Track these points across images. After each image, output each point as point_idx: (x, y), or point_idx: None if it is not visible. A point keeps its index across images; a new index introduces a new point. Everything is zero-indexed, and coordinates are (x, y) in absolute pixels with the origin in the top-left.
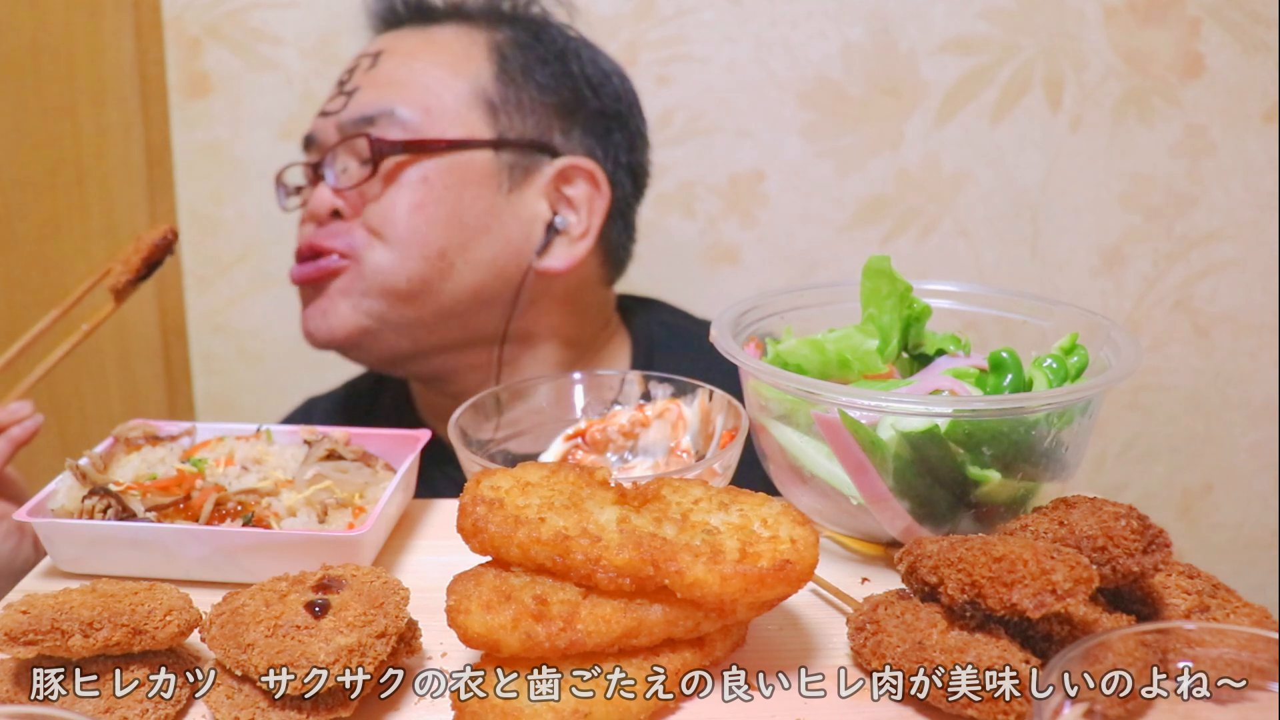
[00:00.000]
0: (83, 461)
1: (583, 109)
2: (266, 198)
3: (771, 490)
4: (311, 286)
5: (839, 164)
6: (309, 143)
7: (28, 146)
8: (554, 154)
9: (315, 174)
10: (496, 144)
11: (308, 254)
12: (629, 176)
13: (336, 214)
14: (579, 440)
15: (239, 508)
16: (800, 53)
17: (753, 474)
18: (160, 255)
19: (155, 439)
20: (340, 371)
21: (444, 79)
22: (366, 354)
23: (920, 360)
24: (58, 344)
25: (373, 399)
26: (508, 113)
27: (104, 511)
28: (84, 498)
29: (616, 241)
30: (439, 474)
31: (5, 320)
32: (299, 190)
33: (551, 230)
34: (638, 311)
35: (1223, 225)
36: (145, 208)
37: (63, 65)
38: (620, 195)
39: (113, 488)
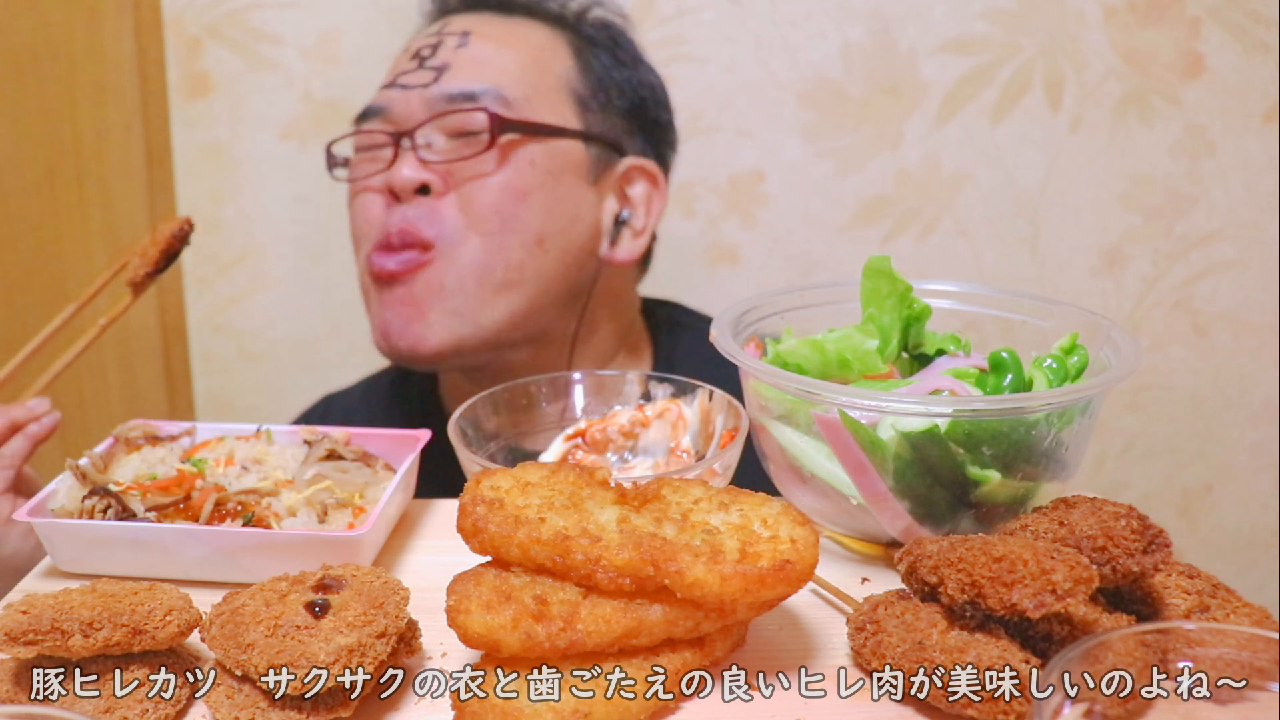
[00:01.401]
0: (83, 461)
1: (645, 116)
2: (267, 197)
3: (771, 490)
4: (390, 283)
5: (839, 164)
6: (373, 114)
7: (28, 146)
8: (622, 153)
9: (394, 144)
10: (587, 136)
11: (397, 242)
12: (667, 183)
13: (422, 190)
14: (579, 440)
15: (239, 508)
16: (800, 53)
17: (753, 474)
18: (178, 246)
19: (155, 439)
20: (341, 371)
21: (539, 70)
22: (448, 365)
23: (920, 360)
24: (70, 339)
25: (393, 395)
26: (593, 109)
27: (104, 511)
28: (84, 498)
29: (650, 243)
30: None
31: (5, 320)
32: (345, 162)
33: (619, 223)
34: (657, 312)
35: (1223, 225)
36: (145, 208)
37: (63, 65)
38: None
39: (113, 488)
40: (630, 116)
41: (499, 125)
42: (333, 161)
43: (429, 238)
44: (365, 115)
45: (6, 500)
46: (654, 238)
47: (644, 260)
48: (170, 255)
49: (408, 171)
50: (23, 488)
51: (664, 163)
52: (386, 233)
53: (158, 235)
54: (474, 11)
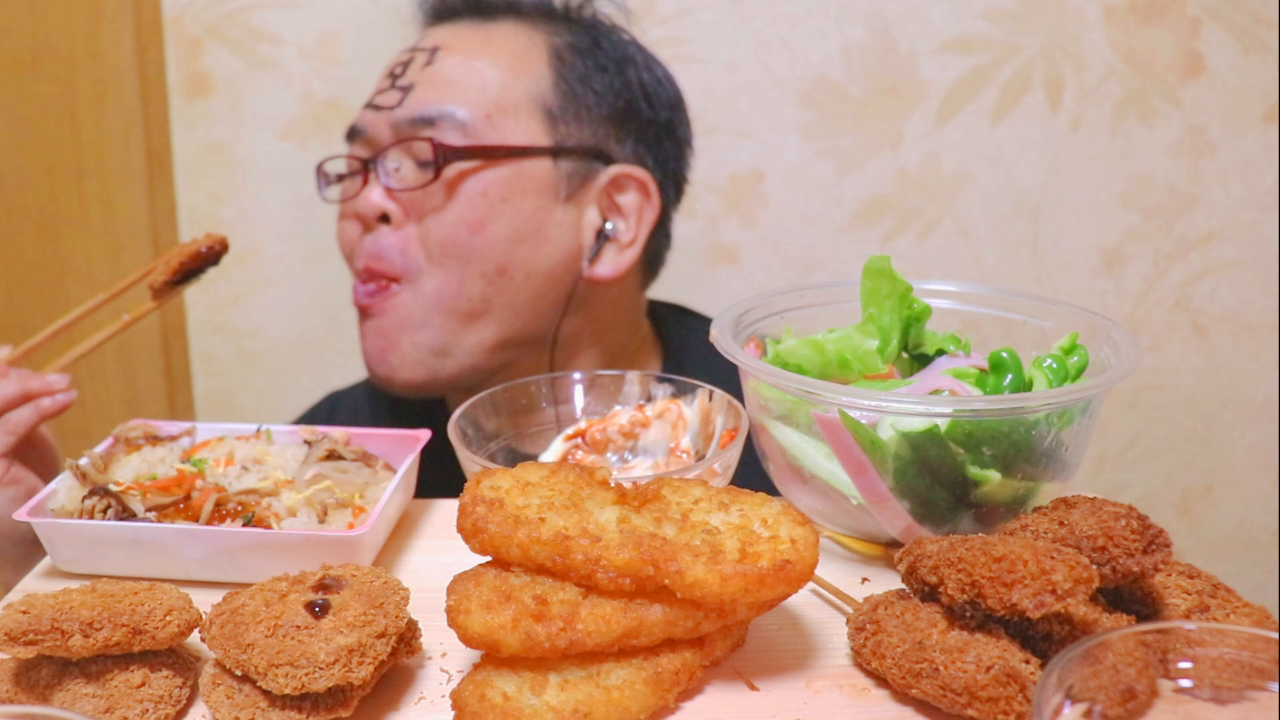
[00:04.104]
0: (83, 461)
1: (636, 118)
2: (267, 197)
3: (771, 490)
4: (366, 314)
5: (839, 164)
6: (355, 134)
7: (28, 146)
8: (608, 161)
9: (364, 169)
10: (555, 152)
11: (364, 276)
12: (673, 185)
13: (384, 217)
14: (579, 440)
15: (239, 508)
16: (800, 53)
17: (753, 474)
18: (199, 264)
19: (155, 439)
20: (341, 371)
21: (504, 81)
22: (427, 393)
23: (920, 360)
24: (84, 332)
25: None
26: (565, 121)
27: (104, 511)
28: (84, 498)
29: (656, 249)
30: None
31: (5, 319)
32: (340, 179)
33: (602, 237)
34: (667, 318)
35: (1223, 225)
36: (145, 208)
37: (63, 65)
38: (665, 204)
39: (113, 488)
40: (616, 122)
41: (444, 155)
42: (327, 180)
43: (395, 269)
44: (350, 135)
45: (1, 464)
46: (668, 241)
47: (654, 265)
48: (190, 272)
49: (373, 198)
50: (34, 456)
51: (672, 164)
52: (356, 265)
53: (184, 249)
54: (453, 21)
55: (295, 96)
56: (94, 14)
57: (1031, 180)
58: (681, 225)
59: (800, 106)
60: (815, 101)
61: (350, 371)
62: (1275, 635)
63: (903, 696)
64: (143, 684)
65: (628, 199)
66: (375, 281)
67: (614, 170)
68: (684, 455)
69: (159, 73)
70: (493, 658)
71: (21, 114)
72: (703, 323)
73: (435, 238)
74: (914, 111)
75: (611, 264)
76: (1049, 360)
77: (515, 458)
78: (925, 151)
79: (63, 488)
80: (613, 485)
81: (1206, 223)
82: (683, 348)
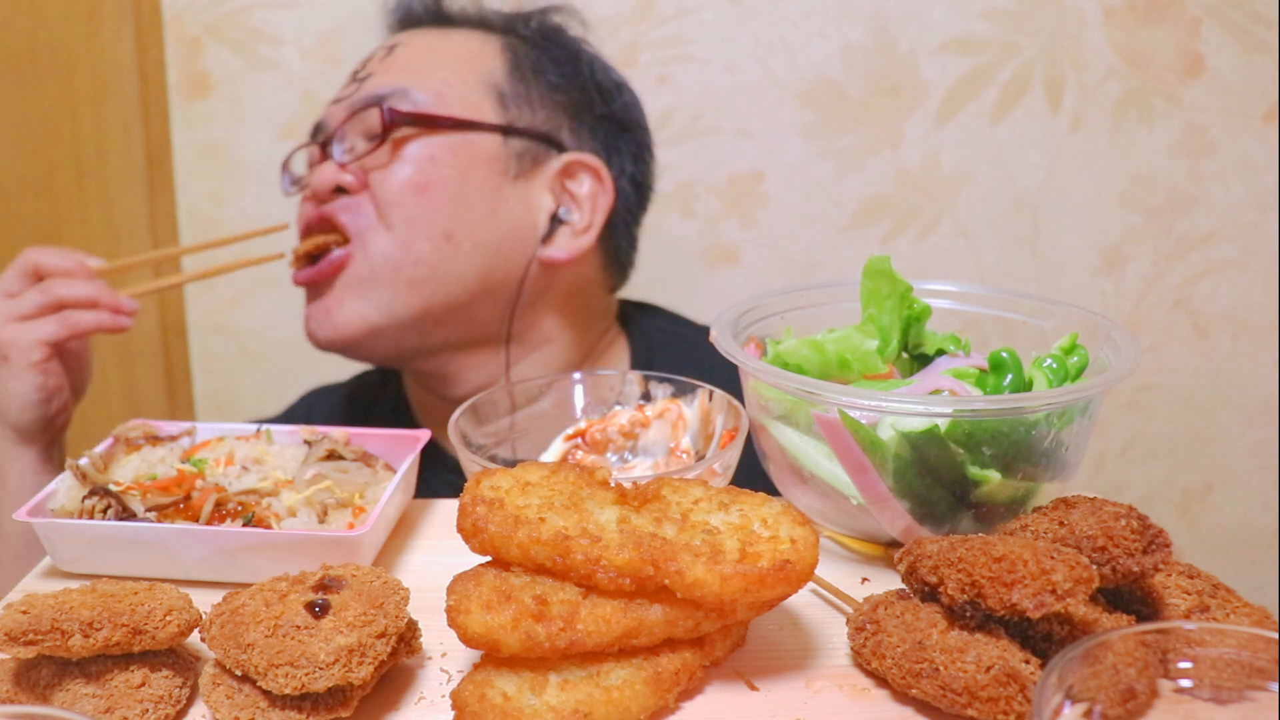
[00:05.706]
0: (83, 461)
1: (591, 111)
2: (267, 198)
3: (771, 490)
4: (313, 285)
5: (839, 164)
6: (318, 130)
7: (28, 146)
8: (561, 149)
9: (322, 154)
10: (505, 129)
11: (316, 226)
12: (632, 186)
13: (340, 191)
14: (579, 440)
15: (239, 508)
16: (800, 53)
17: (753, 474)
18: (326, 249)
19: (155, 439)
20: (340, 373)
21: (457, 69)
22: (370, 353)
23: (920, 360)
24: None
25: (373, 396)
26: (518, 104)
27: (104, 511)
28: (84, 498)
29: (618, 247)
30: (435, 478)
31: None
32: (300, 180)
33: (555, 221)
34: (636, 317)
35: (1223, 225)
36: (145, 208)
37: (63, 65)
38: (623, 205)
39: (113, 488)
40: (569, 113)
41: (393, 119)
42: (292, 178)
43: (344, 224)
44: (315, 133)
45: (41, 350)
46: (632, 244)
47: (618, 265)
48: (320, 252)
49: (324, 175)
50: (72, 363)
51: (630, 164)
52: (305, 224)
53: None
54: (415, 29)
55: (295, 96)
56: (94, 14)
57: (1031, 180)
58: (681, 225)
59: (800, 106)
60: (815, 101)
61: (349, 372)
62: (1275, 635)
63: (903, 696)
64: (143, 684)
65: (581, 186)
66: (322, 252)
67: (566, 157)
68: (684, 455)
69: (159, 73)
70: (493, 658)
71: (21, 114)
72: (674, 323)
73: (383, 197)
74: (914, 111)
75: (565, 247)
76: (1049, 360)
77: (515, 458)
78: (925, 151)
79: (63, 488)
80: (613, 485)
81: (1206, 223)
82: (650, 344)
